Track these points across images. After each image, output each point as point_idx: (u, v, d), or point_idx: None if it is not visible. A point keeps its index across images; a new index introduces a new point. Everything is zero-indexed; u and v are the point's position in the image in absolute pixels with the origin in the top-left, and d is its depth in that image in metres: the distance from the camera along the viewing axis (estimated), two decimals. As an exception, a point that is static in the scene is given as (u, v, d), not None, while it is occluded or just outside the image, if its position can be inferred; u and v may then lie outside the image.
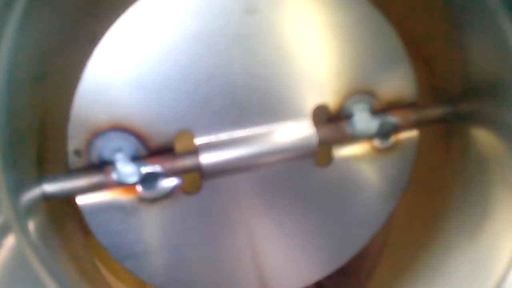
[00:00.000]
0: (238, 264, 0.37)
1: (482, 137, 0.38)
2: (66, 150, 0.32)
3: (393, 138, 0.38)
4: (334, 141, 0.37)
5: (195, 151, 0.34)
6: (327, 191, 0.38)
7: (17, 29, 0.26)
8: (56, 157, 0.33)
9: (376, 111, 0.37)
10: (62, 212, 0.36)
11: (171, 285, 0.36)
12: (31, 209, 0.29)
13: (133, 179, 0.32)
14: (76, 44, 0.30)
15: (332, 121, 0.37)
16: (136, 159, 0.33)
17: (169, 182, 0.34)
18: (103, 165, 0.32)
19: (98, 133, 0.32)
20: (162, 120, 0.33)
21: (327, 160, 0.37)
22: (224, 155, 0.34)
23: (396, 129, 0.38)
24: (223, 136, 0.34)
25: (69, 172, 0.32)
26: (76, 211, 0.33)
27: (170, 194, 0.34)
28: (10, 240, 0.27)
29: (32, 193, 0.30)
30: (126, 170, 0.32)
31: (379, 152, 0.38)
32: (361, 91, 0.37)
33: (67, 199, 0.32)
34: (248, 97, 0.34)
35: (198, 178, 0.35)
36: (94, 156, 0.32)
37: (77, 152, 0.32)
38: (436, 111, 0.39)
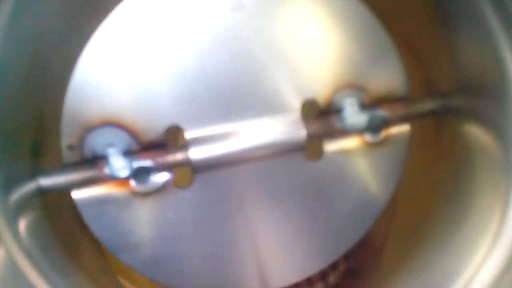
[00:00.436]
0: (233, 256, 0.38)
1: (471, 131, 0.38)
2: (60, 145, 0.33)
3: (384, 133, 0.39)
4: (324, 135, 0.37)
5: (186, 145, 0.34)
6: (319, 184, 0.38)
7: (9, 20, 0.27)
8: (51, 152, 0.34)
9: (365, 106, 0.38)
10: (60, 209, 0.37)
11: (166, 277, 0.37)
12: (24, 206, 0.30)
13: (124, 173, 0.33)
14: (70, 39, 0.32)
15: (321, 115, 0.37)
16: (128, 154, 0.34)
17: (161, 176, 0.35)
18: (96, 159, 0.33)
19: (90, 128, 0.33)
20: (153, 115, 0.34)
21: (318, 154, 0.38)
22: (213, 149, 0.35)
23: (386, 123, 0.38)
24: (213, 130, 0.35)
25: (63, 166, 0.33)
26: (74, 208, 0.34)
27: (162, 188, 0.35)
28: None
29: (27, 188, 0.32)
30: (118, 164, 0.33)
31: (370, 146, 0.39)
32: (351, 86, 0.37)
33: (62, 193, 0.34)
34: (237, 92, 0.35)
35: (189, 172, 0.36)
36: (87, 151, 0.33)
37: (71, 147, 0.33)
38: (426, 105, 0.39)
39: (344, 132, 0.38)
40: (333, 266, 0.55)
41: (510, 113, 0.35)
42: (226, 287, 0.39)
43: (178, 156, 0.34)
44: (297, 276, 0.41)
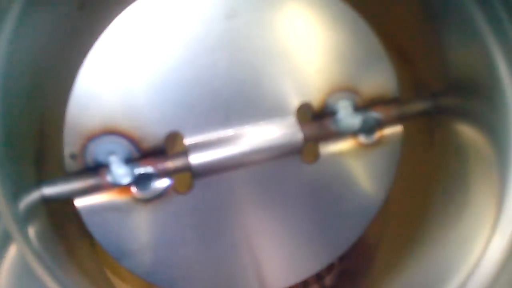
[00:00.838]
0: (233, 260, 0.39)
1: (463, 129, 0.39)
2: (63, 154, 0.34)
3: (378, 134, 0.40)
4: (319, 138, 0.38)
5: (185, 151, 0.35)
6: (316, 187, 0.39)
7: (13, 33, 0.28)
8: (53, 161, 0.34)
9: (359, 108, 0.39)
10: (62, 216, 0.38)
11: (168, 282, 0.37)
12: (31, 214, 0.31)
13: (126, 180, 0.34)
14: (72, 50, 0.32)
15: (316, 118, 0.38)
16: (129, 161, 0.35)
17: (162, 183, 0.36)
18: (98, 168, 0.34)
19: (91, 137, 0.34)
20: (152, 123, 0.35)
21: (314, 157, 0.39)
22: (213, 154, 0.36)
23: (380, 124, 0.39)
24: (212, 136, 0.36)
25: (66, 175, 0.34)
26: (76, 214, 0.35)
27: (163, 194, 0.36)
28: (12, 250, 0.28)
29: (32, 197, 0.32)
30: (120, 171, 0.34)
31: (365, 147, 0.40)
32: (343, 89, 0.38)
33: (66, 202, 0.34)
34: (234, 98, 0.36)
35: (189, 178, 0.36)
36: (89, 160, 0.34)
37: (73, 156, 0.34)
38: (417, 106, 0.40)
39: (339, 134, 0.39)
40: (328, 268, 0.56)
41: (499, 111, 0.36)
42: None
43: (178, 162, 0.35)
44: (296, 277, 0.42)
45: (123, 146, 0.34)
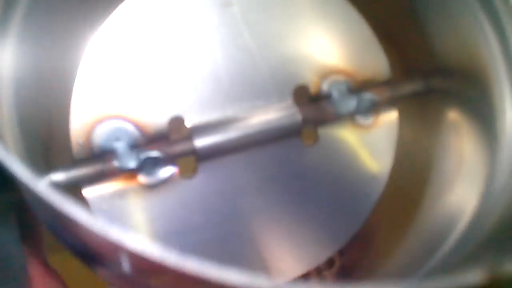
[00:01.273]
0: (240, 246, 0.39)
1: (455, 110, 0.41)
2: (70, 143, 0.34)
3: (374, 115, 0.41)
4: (317, 119, 0.40)
5: (189, 135, 0.36)
6: (319, 169, 0.40)
7: (21, 24, 0.29)
8: (62, 150, 0.35)
9: (353, 90, 0.40)
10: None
11: None
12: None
13: (133, 164, 0.35)
14: (74, 39, 0.34)
15: (313, 101, 0.40)
16: (135, 147, 0.36)
17: (167, 168, 0.36)
18: (105, 154, 0.35)
19: (96, 125, 0.35)
20: (156, 109, 0.36)
21: (313, 138, 0.40)
22: (216, 137, 0.37)
23: (374, 105, 0.41)
24: (213, 119, 0.37)
25: (74, 162, 0.34)
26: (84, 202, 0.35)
27: (168, 179, 0.37)
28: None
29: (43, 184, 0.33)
30: (126, 156, 0.35)
31: (362, 129, 0.41)
32: (337, 72, 0.40)
33: (73, 190, 0.35)
34: (232, 82, 0.37)
35: (193, 162, 0.37)
36: (96, 147, 0.35)
37: (80, 144, 0.35)
38: (409, 87, 0.42)
39: (336, 116, 0.40)
40: (329, 263, 0.55)
41: (487, 90, 0.38)
42: None
43: (184, 145, 0.36)
44: (308, 265, 0.42)
45: (128, 132, 0.35)
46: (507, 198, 0.34)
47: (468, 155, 0.39)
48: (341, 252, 0.54)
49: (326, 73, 0.39)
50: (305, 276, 0.55)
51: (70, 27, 0.33)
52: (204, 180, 0.37)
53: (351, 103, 0.40)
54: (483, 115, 0.39)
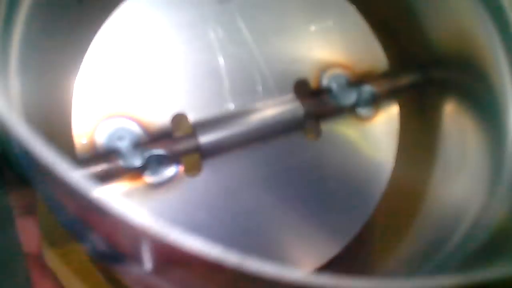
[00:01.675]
0: (247, 242, 0.39)
1: (455, 99, 0.41)
2: (73, 143, 0.34)
3: (374, 107, 0.41)
4: (319, 113, 0.40)
5: (192, 132, 0.36)
6: (324, 163, 0.40)
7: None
8: (64, 150, 0.35)
9: (352, 83, 0.41)
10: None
11: None
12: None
13: (138, 162, 0.35)
14: (74, 40, 0.34)
15: (313, 95, 0.40)
16: (139, 145, 0.35)
17: (172, 166, 0.36)
18: (109, 154, 0.35)
19: (99, 124, 0.35)
20: (158, 106, 0.36)
21: (316, 132, 0.40)
22: (219, 133, 0.36)
23: (374, 96, 0.41)
24: (216, 115, 0.37)
25: (78, 162, 0.34)
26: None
27: (173, 178, 0.36)
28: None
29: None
30: (131, 155, 0.35)
31: (364, 121, 0.41)
32: (335, 65, 0.40)
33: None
34: (233, 78, 0.37)
35: (197, 159, 0.37)
36: (100, 147, 0.35)
37: (83, 145, 0.34)
38: (407, 78, 0.42)
39: (337, 109, 0.40)
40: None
41: (486, 80, 0.38)
42: None
43: (188, 143, 0.36)
44: (320, 259, 0.41)
45: (131, 131, 0.35)
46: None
47: (472, 148, 0.39)
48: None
49: (325, 67, 0.40)
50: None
51: (72, 27, 0.34)
52: (208, 177, 0.37)
53: (351, 96, 0.40)
54: (485, 107, 0.39)
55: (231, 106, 0.37)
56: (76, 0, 0.33)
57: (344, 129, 0.41)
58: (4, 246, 0.30)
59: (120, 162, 0.34)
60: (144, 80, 0.36)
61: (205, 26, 0.36)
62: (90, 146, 0.34)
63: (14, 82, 0.30)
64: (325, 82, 0.40)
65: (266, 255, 0.39)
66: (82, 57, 0.34)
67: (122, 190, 0.35)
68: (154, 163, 0.35)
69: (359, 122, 0.41)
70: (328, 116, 0.40)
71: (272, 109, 0.38)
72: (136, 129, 0.35)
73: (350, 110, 0.41)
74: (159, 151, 0.35)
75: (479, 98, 0.39)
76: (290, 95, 0.38)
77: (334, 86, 0.40)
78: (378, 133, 0.41)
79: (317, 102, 0.39)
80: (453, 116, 0.42)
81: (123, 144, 0.35)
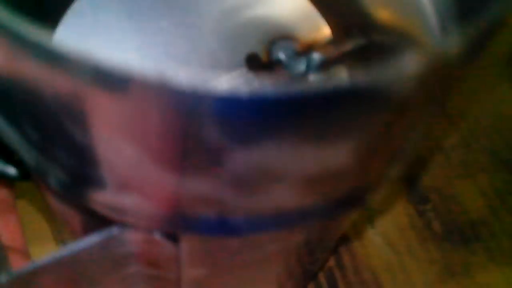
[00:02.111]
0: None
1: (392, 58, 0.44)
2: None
3: (325, 73, 0.44)
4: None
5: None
6: None
7: None
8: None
9: (300, 53, 0.43)
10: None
11: None
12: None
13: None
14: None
15: (265, 68, 0.42)
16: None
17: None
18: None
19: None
20: None
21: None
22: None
23: (324, 63, 0.43)
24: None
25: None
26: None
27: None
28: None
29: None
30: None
31: (317, 88, 0.43)
32: (282, 37, 0.42)
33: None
34: (185, 58, 0.39)
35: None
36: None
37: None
38: (351, 42, 0.45)
39: (290, 78, 0.42)
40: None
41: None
42: None
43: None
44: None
45: None
46: None
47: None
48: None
49: (272, 39, 0.42)
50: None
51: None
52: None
53: (301, 64, 0.42)
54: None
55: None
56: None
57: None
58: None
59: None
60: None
61: (153, 7, 0.38)
62: None
63: None
64: (275, 54, 0.42)
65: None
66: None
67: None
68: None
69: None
70: (283, 86, 0.42)
71: (227, 83, 0.39)
72: None
73: (303, 78, 0.43)
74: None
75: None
76: (243, 69, 0.40)
77: (283, 57, 0.42)
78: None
79: (270, 73, 0.41)
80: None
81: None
